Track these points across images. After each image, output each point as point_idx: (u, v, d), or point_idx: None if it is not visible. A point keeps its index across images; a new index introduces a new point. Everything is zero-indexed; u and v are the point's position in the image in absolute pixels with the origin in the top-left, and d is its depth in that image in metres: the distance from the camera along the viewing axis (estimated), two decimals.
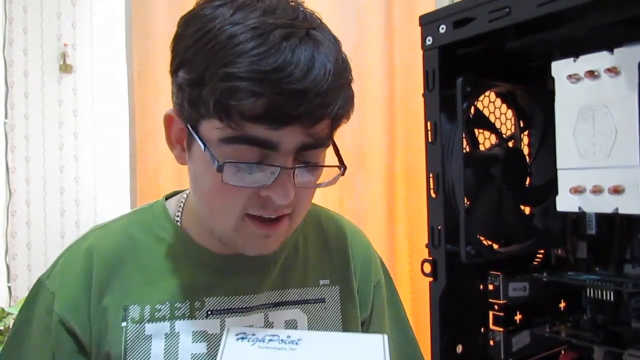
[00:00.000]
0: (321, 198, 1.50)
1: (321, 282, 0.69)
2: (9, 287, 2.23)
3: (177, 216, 0.67)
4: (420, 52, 0.63)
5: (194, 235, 0.65)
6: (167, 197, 0.71)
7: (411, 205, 1.46)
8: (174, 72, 0.56)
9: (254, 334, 0.53)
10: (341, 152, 0.62)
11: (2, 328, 1.97)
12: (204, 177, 0.56)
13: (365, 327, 0.73)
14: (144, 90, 1.65)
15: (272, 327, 0.65)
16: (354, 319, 0.71)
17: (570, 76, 0.54)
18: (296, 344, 0.51)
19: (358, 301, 0.72)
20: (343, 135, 1.47)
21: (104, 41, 2.20)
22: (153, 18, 1.63)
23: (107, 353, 0.60)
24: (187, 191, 0.68)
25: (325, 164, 0.57)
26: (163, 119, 0.60)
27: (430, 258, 0.61)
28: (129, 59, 1.72)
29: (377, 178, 1.49)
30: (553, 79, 0.58)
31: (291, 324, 0.66)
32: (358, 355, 0.50)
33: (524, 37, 0.61)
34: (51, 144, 2.23)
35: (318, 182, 0.57)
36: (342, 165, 0.57)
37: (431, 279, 0.62)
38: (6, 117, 2.21)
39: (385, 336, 0.52)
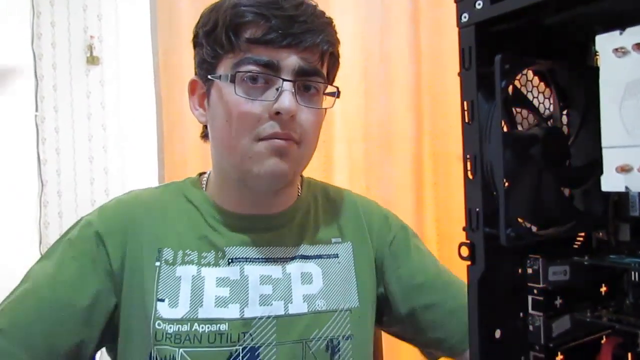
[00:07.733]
0: (348, 185, 1.49)
1: (333, 240, 0.79)
2: None
3: (203, 185, 0.81)
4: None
5: (216, 199, 0.77)
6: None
7: (439, 191, 1.44)
8: (194, 38, 0.71)
9: None
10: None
11: None
12: (222, 110, 0.68)
13: (385, 270, 0.82)
14: (170, 81, 1.66)
15: (289, 277, 0.73)
16: (369, 275, 0.79)
17: (616, 50, 0.52)
18: None
19: (374, 260, 0.81)
20: (369, 120, 1.46)
21: (129, 32, 2.22)
22: (177, 9, 1.64)
23: (141, 284, 0.69)
24: (210, 170, 0.82)
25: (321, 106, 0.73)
26: (187, 85, 0.75)
27: (468, 241, 0.60)
28: (154, 49, 1.73)
29: (404, 164, 1.47)
30: (596, 54, 0.56)
31: (307, 276, 0.74)
32: None
33: (566, 11, 0.58)
34: (80, 136, 2.27)
35: (318, 110, 0.70)
36: (336, 89, 0.72)
37: (469, 262, 0.60)
38: (37, 109, 2.26)
39: None
